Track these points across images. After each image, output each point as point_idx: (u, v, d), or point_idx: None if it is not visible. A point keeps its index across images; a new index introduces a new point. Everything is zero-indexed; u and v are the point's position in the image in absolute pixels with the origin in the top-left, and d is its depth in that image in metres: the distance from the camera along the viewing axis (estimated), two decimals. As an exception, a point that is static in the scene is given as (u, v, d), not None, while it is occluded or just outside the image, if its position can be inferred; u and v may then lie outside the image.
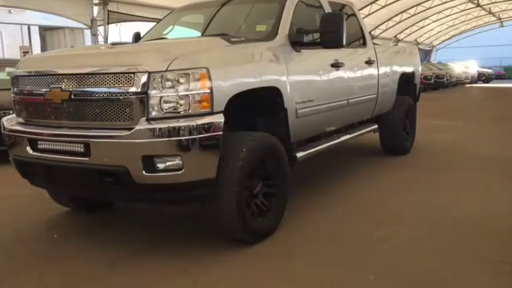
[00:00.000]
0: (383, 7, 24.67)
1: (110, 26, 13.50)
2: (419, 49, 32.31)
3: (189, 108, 2.92)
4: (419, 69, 7.12)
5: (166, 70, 2.87)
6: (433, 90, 23.22)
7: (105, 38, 13.13)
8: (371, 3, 23.78)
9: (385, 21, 28.03)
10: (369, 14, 24.53)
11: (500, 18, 36.90)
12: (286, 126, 3.79)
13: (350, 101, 4.84)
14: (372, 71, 5.41)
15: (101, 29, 13.30)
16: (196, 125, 2.90)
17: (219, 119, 3.01)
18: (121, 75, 2.90)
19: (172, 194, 2.99)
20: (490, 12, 33.68)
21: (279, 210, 3.60)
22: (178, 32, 4.73)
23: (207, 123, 2.94)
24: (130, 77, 2.87)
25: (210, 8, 4.74)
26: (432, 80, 23.45)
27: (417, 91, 7.04)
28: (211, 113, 2.99)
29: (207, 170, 2.99)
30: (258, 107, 3.72)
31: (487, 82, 34.15)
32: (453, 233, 3.53)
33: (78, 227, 3.94)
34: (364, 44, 5.49)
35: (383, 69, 5.71)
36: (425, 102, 16.44)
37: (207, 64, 2.98)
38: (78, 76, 3.02)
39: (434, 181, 5.01)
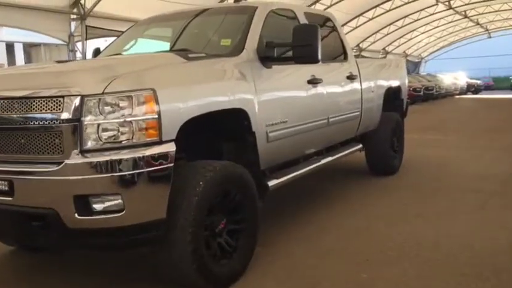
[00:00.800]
0: (370, 19, 24.52)
1: (99, 40, 13.08)
2: (408, 61, 32.34)
3: (132, 137, 2.47)
4: (406, 82, 6.74)
5: (103, 93, 2.43)
6: (422, 102, 23.03)
7: (84, 54, 12.68)
8: (358, 16, 23.63)
9: (373, 34, 27.89)
10: (356, 27, 24.39)
11: (487, 29, 37.02)
12: (255, 151, 3.34)
13: (330, 120, 4.41)
14: (354, 86, 5.00)
15: (80, 44, 12.87)
16: (141, 156, 2.45)
17: (169, 148, 2.56)
18: (49, 99, 2.45)
19: (112, 239, 2.51)
20: (477, 24, 33.76)
21: (247, 250, 3.13)
22: (141, 47, 4.30)
23: (155, 154, 2.50)
24: (60, 101, 2.43)
25: (177, 21, 4.33)
26: (421, 92, 23.23)
27: (404, 106, 6.65)
28: (160, 142, 2.54)
29: (155, 210, 2.53)
30: (222, 131, 3.30)
31: (477, 93, 34.08)
32: (446, 273, 3.07)
33: (20, 270, 3.44)
34: (345, 58, 5.09)
35: (366, 84, 5.31)
36: (415, 115, 16.15)
37: (153, 85, 2.54)
38: (2, 101, 2.57)
39: (425, 206, 4.58)
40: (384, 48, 31.94)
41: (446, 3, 25.71)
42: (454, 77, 31.22)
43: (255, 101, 3.31)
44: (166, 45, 4.04)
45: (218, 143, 3.38)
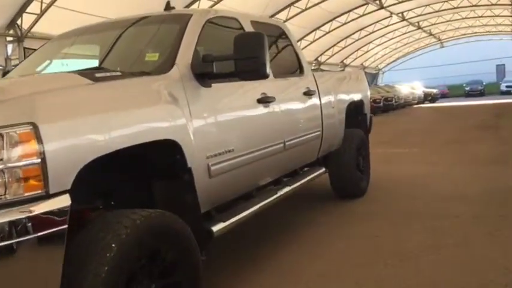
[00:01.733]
0: (327, 33, 24.50)
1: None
2: (366, 73, 32.77)
3: (4, 192, 1.76)
4: (369, 95, 6.25)
5: (-44, 132, 1.71)
6: (383, 112, 23.02)
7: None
8: (315, 30, 23.54)
9: (330, 47, 27.97)
10: (313, 41, 24.31)
11: (440, 39, 38.03)
12: (192, 191, 2.67)
13: (287, 143, 3.80)
14: (312, 103, 4.42)
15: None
16: (18, 219, 1.74)
17: (61, 203, 1.85)
18: None
19: None
20: (430, 34, 34.59)
21: (186, 322, 2.43)
22: (53, 66, 3.57)
23: (38, 215, 1.78)
24: None
25: (99, 34, 3.64)
26: (381, 103, 23.25)
27: (368, 121, 6.14)
28: (47, 196, 1.83)
29: (40, 294, 1.81)
30: (150, 169, 2.61)
31: (434, 102, 34.69)
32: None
33: None
34: (301, 71, 4.51)
35: (326, 100, 4.75)
36: (377, 127, 15.75)
37: (34, 117, 1.84)
38: None
39: (401, 239, 3.98)
40: (342, 61, 32.13)
41: (400, 14, 26.09)
42: (411, 87, 31.64)
43: (190, 128, 2.65)
44: (83, 63, 3.34)
45: (146, 184, 2.69)
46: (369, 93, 6.26)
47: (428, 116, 21.39)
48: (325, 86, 4.85)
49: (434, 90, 36.85)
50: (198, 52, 2.97)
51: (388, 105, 24.12)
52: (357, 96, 5.70)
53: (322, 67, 28.64)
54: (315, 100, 4.48)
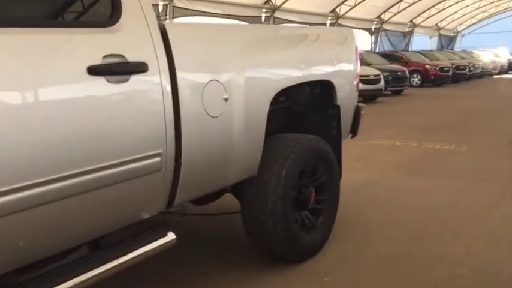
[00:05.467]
0: (390, -15, 20.63)
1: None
2: (441, 35, 28.14)
3: None
4: (354, 72, 3.53)
5: None
6: (453, 83, 19.37)
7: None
8: (375, -19, 19.85)
9: (396, 3, 23.90)
10: (373, -7, 20.64)
11: (536, -2, 32.08)
12: None
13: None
14: (127, 93, 1.90)
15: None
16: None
17: None
18: None
19: None
20: (524, -9, 29.02)
21: None
22: None
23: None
24: None
25: None
26: (450, 72, 19.45)
27: (351, 119, 3.47)
28: None
29: None
30: None
31: (520, 72, 29.64)
32: None
33: None
34: (115, 15, 1.95)
35: (198, 83, 2.21)
36: (433, 103, 12.64)
37: None
38: None
39: None
40: (411, 20, 27.82)
41: (485, -36, 21.46)
42: (494, 54, 27.15)
43: None
44: None
45: None
46: (353, 67, 3.52)
47: (506, 90, 17.44)
48: (199, 50, 2.28)
49: (523, 58, 31.49)
50: None
51: (459, 74, 20.30)
52: (316, 74, 3.07)
53: (385, 26, 24.88)
54: (140, 86, 1.94)
